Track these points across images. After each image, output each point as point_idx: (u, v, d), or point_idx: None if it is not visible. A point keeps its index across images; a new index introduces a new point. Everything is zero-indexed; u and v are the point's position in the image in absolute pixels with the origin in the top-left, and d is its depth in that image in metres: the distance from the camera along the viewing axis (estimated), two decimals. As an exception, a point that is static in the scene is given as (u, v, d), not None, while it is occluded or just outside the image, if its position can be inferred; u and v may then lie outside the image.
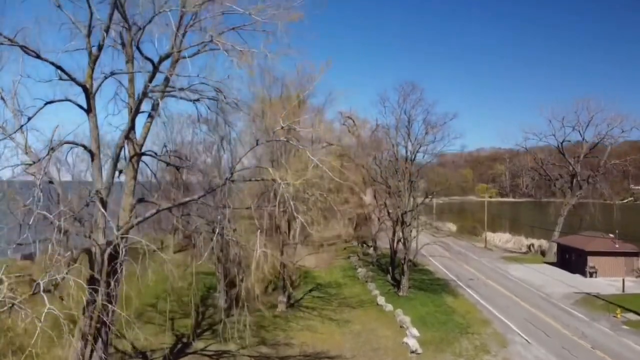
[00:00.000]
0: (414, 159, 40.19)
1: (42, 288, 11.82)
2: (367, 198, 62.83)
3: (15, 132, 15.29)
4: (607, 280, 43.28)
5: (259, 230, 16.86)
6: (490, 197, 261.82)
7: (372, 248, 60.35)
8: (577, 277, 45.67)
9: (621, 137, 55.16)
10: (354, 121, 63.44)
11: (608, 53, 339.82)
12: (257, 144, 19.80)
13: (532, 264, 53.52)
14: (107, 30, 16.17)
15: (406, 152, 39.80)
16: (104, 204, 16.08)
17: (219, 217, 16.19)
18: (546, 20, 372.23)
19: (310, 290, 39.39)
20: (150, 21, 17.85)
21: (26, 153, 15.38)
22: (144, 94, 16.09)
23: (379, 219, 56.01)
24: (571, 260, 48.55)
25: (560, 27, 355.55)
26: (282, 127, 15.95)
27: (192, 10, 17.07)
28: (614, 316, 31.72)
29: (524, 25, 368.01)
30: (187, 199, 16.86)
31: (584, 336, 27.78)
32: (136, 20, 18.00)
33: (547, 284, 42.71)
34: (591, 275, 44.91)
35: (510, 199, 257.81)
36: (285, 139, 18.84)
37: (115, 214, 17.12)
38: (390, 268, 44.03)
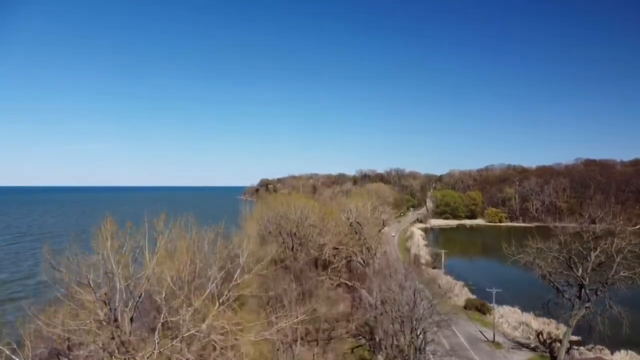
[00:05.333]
0: (418, 336, 39.97)
1: None
2: (371, 299, 63.13)
3: None
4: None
5: None
6: (500, 220, 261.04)
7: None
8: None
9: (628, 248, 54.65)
10: (359, 224, 63.64)
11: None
12: None
13: (541, 380, 53.36)
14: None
15: (411, 322, 39.67)
16: None
17: None
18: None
19: None
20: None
21: None
22: None
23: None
24: (580, 390, 48.36)
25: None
26: None
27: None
28: None
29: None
30: None
31: None
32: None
33: None
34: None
35: (520, 224, 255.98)
36: None
37: None
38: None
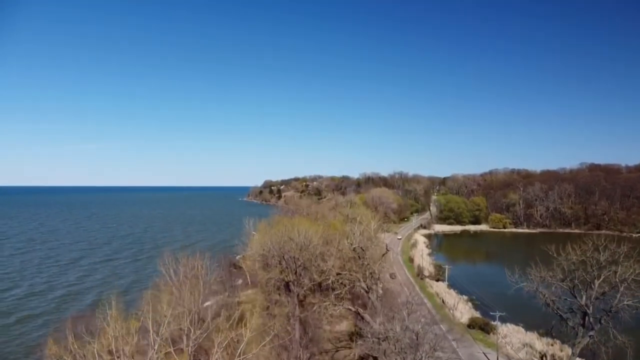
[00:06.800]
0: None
1: None
2: (375, 325, 63.17)
3: None
4: None
5: None
6: (504, 226, 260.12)
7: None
8: None
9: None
10: (362, 249, 63.64)
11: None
12: None
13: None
14: None
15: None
16: None
17: None
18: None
19: None
20: None
21: None
22: None
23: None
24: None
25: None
26: None
27: None
28: None
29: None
30: None
31: None
32: None
33: None
34: None
35: (525, 230, 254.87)
36: None
37: None
38: None
